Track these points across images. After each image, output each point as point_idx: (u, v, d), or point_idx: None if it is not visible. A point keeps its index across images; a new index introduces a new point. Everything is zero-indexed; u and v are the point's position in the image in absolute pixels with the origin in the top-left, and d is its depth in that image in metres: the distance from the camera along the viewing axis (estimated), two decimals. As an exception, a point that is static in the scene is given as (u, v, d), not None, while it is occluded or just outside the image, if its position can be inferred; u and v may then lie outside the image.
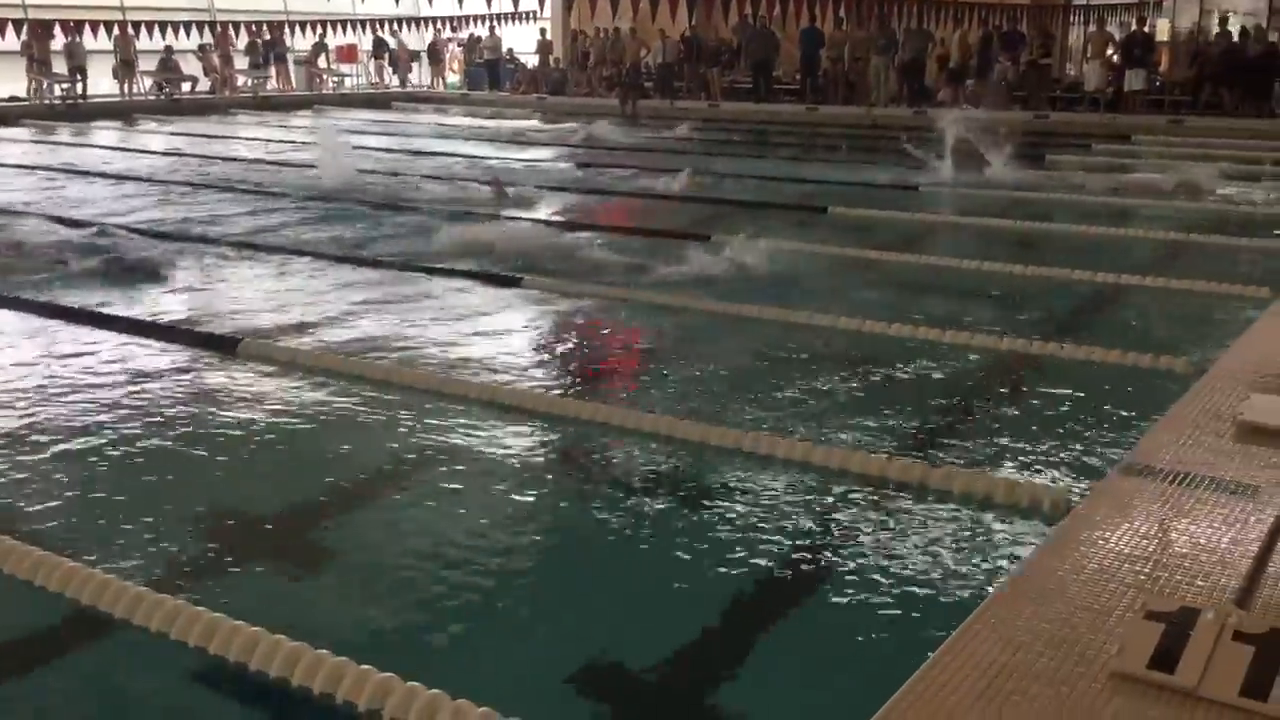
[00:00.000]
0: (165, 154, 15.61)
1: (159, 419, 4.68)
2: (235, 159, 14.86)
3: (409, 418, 4.68)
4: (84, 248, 8.03)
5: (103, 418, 4.69)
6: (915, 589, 3.23)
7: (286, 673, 2.70)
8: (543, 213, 10.33)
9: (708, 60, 23.84)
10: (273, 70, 26.63)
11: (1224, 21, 20.74)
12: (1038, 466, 4.16)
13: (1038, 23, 22.39)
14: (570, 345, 6.17)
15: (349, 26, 28.06)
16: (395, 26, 28.42)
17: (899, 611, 3.12)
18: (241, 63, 25.92)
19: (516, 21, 28.89)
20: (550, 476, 4.20)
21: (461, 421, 4.63)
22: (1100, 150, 15.39)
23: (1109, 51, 20.02)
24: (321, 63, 27.46)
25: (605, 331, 6.47)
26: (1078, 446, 4.36)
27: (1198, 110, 18.60)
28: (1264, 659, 2.16)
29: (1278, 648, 2.19)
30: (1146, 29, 20.38)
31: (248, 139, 17.76)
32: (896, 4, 22.94)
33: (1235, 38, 19.85)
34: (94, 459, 4.25)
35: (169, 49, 24.09)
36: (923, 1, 23.14)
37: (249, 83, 25.97)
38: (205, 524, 3.72)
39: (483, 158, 14.97)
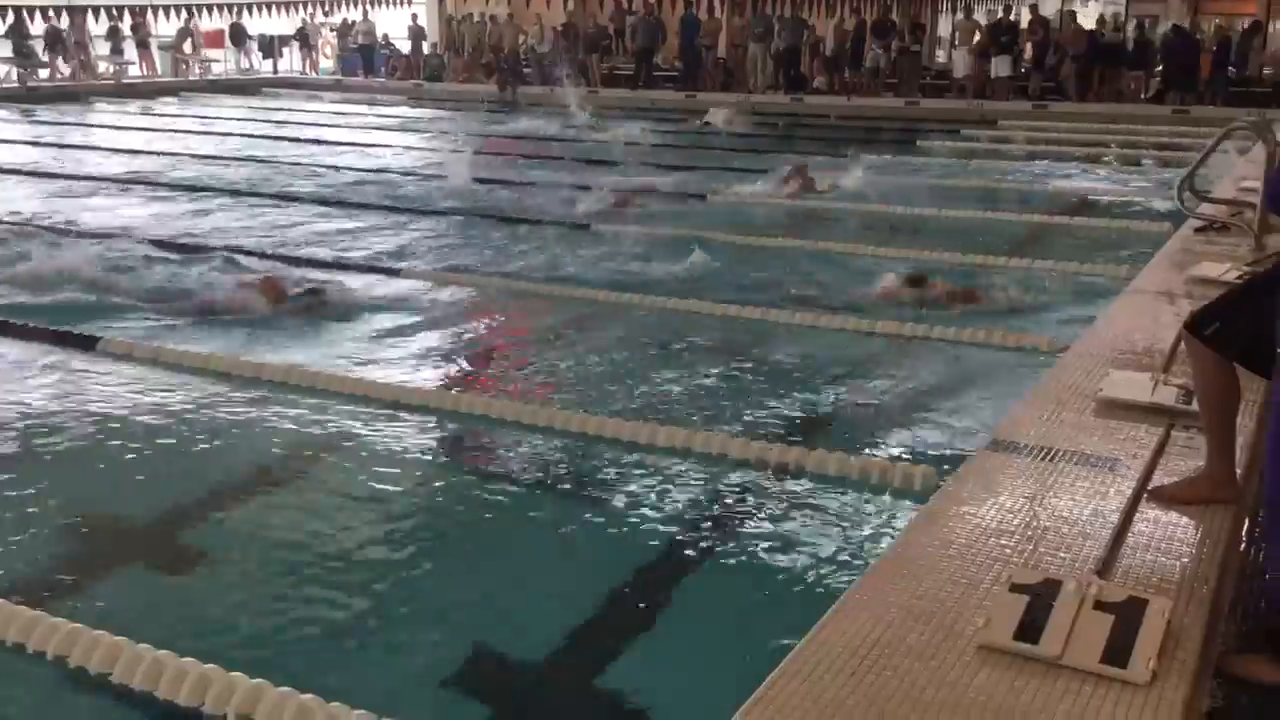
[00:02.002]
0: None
1: (15, 420, 4.47)
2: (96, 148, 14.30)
3: (283, 415, 4.55)
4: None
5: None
6: (792, 569, 3.28)
7: (151, 684, 2.59)
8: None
9: (587, 47, 23.76)
10: (135, 56, 25.58)
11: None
12: (909, 446, 4.25)
13: (908, 11, 22.88)
14: (449, 336, 6.08)
15: (215, 11, 27.12)
16: (263, 11, 27.55)
17: (777, 591, 3.17)
18: (102, 48, 24.83)
19: (389, 6, 28.29)
20: (428, 472, 4.14)
21: (338, 417, 4.53)
22: (968, 135, 15.80)
23: (976, 39, 20.55)
24: (187, 48, 26.49)
25: (486, 322, 6.40)
26: (946, 425, 4.47)
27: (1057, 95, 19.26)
28: (1123, 627, 2.24)
29: (1136, 615, 2.27)
30: (1012, 17, 20.98)
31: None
32: (772, -8, 23.20)
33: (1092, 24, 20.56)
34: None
35: (25, 33, 22.91)
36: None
37: (110, 69, 24.90)
38: (66, 529, 3.56)
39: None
